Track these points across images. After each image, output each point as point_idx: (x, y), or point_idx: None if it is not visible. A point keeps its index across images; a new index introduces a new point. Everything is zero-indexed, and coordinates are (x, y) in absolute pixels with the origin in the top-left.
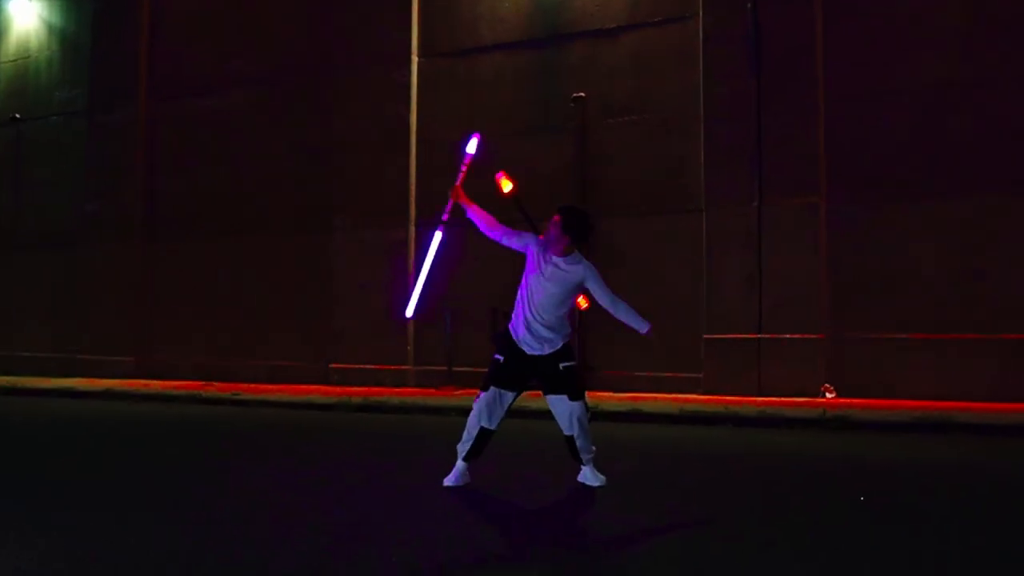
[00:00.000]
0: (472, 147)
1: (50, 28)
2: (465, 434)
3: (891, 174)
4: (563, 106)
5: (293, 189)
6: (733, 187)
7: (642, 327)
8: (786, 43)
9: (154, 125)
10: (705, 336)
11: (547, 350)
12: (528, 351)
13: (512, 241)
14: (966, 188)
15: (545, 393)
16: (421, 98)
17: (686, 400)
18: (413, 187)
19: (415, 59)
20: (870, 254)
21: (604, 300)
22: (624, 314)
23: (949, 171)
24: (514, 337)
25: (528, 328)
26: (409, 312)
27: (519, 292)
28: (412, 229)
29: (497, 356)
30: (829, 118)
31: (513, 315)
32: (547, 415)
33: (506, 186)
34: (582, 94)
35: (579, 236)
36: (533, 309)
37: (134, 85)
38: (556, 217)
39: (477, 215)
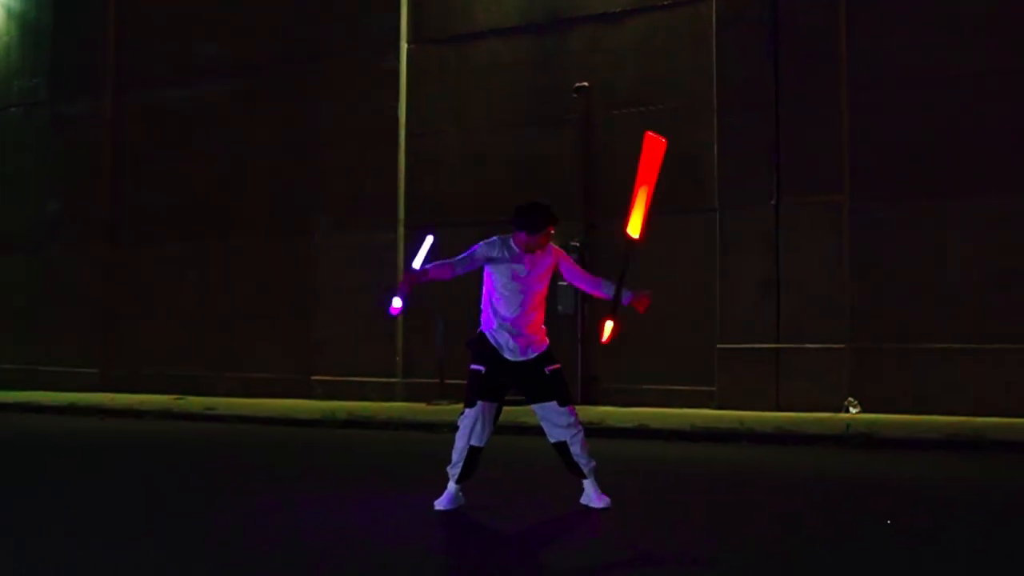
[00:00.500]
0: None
1: (8, 11)
2: (454, 455)
3: (921, 169)
4: (564, 96)
5: (272, 187)
6: (749, 184)
7: (625, 296)
8: (806, 27)
9: (121, 117)
10: (718, 346)
11: (532, 354)
12: (511, 358)
13: (469, 267)
14: (1004, 184)
15: (531, 401)
16: (411, 87)
17: (697, 415)
18: (402, 184)
19: (404, 45)
20: (898, 256)
21: (582, 278)
22: (606, 288)
23: (986, 166)
24: (494, 344)
25: (511, 333)
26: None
27: (490, 299)
28: (401, 230)
29: (477, 367)
30: (853, 108)
31: (484, 322)
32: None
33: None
34: (585, 83)
35: (532, 228)
36: (516, 311)
37: (100, 73)
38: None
39: (435, 274)
